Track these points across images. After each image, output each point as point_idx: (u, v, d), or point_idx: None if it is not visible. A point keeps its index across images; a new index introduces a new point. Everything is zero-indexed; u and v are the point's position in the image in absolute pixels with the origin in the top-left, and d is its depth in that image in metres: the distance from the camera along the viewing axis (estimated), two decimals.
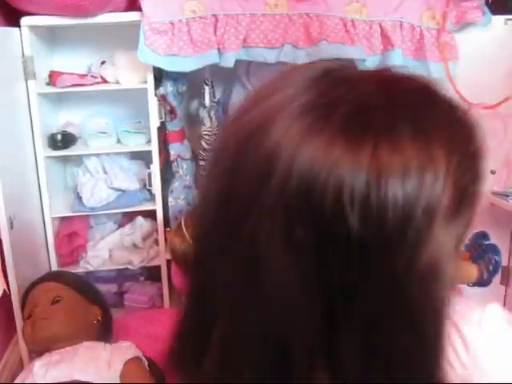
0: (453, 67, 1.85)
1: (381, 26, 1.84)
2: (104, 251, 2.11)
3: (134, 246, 2.15)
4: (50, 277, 1.67)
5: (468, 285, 1.67)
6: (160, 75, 1.96)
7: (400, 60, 1.85)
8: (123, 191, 2.07)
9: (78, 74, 1.99)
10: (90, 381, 1.35)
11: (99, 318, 1.58)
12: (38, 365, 1.39)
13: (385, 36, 1.84)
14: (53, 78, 1.97)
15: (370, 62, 1.86)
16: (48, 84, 2.00)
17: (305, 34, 1.79)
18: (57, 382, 1.33)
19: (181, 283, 1.94)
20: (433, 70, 1.86)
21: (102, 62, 2.03)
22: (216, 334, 0.51)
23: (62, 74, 1.97)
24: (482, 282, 1.66)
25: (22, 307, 1.61)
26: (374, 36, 1.84)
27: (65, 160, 2.23)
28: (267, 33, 1.79)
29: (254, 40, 1.80)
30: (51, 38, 2.13)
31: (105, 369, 1.38)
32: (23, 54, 1.85)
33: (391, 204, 0.42)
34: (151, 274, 2.20)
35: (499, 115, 1.83)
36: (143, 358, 1.47)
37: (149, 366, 1.47)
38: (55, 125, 2.14)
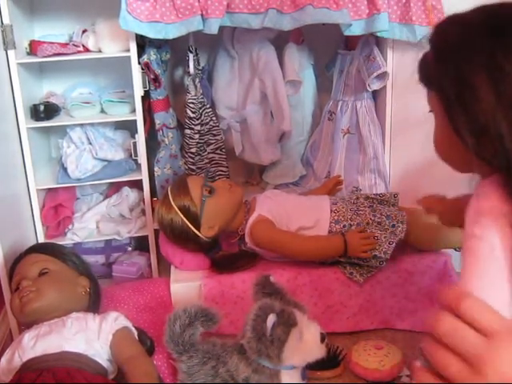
0: None
1: None
2: (91, 222, 2.10)
3: (121, 216, 2.15)
4: (37, 249, 1.66)
5: (455, 249, 1.69)
6: (143, 43, 1.94)
7: (386, 24, 1.84)
8: (108, 162, 2.06)
9: (59, 43, 1.96)
10: (80, 352, 1.35)
11: (87, 289, 1.58)
12: (28, 337, 1.39)
13: (370, 0, 1.82)
14: (33, 47, 1.93)
15: (355, 26, 1.85)
16: (28, 54, 1.96)
17: None
18: (46, 353, 1.34)
19: (168, 252, 1.95)
20: (419, 34, 1.84)
21: (84, 31, 2.00)
22: None
23: (43, 43, 1.93)
24: None
25: (10, 280, 1.60)
26: (360, 0, 1.82)
27: (48, 131, 2.21)
28: None
29: (238, 5, 1.77)
30: (30, 6, 2.09)
31: (94, 339, 1.39)
32: (2, 23, 1.81)
33: None
34: (139, 244, 2.20)
35: None
36: (132, 328, 1.47)
37: (138, 335, 1.47)
38: (37, 95, 2.11)
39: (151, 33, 1.78)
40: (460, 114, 0.77)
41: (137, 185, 2.11)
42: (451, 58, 0.80)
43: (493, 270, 0.70)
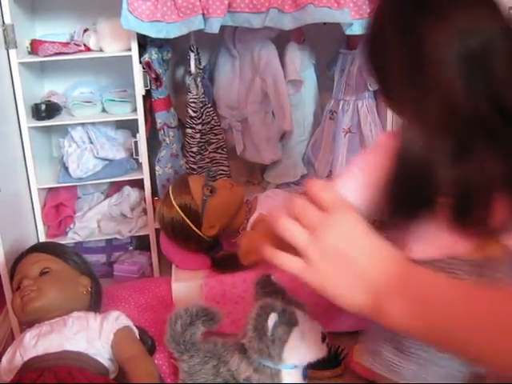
0: None
1: None
2: (92, 222, 2.10)
3: (122, 215, 2.15)
4: (39, 248, 1.66)
5: None
6: (144, 42, 1.94)
7: None
8: (110, 161, 2.06)
9: (60, 43, 1.96)
10: (81, 351, 1.35)
11: (89, 288, 1.58)
12: (29, 336, 1.39)
13: None
14: (34, 46, 1.93)
15: (356, 25, 1.84)
16: (30, 53, 1.96)
17: None
18: (47, 352, 1.34)
19: (169, 251, 1.95)
20: None
21: (85, 30, 2.00)
22: None
23: (44, 42, 1.93)
24: None
25: (11, 279, 1.60)
26: None
27: (50, 130, 2.21)
28: None
29: (239, 5, 1.77)
30: (31, 5, 2.09)
31: (95, 339, 1.39)
32: (3, 23, 1.81)
33: None
34: (140, 243, 2.20)
35: None
36: (133, 328, 1.47)
37: (139, 335, 1.47)
38: (39, 95, 2.11)
39: (152, 32, 1.78)
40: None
41: (138, 184, 2.11)
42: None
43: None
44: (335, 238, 0.70)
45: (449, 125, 0.84)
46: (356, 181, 0.97)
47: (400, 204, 0.89)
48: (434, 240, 0.94)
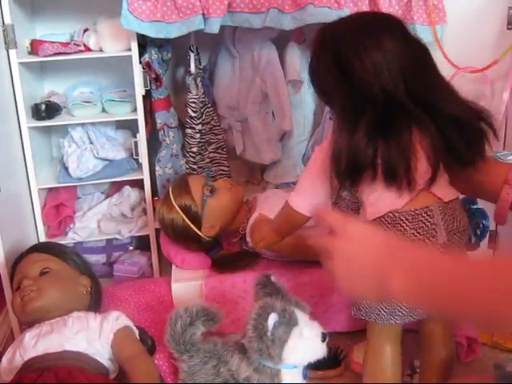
0: (440, 30, 1.84)
1: None
2: (92, 222, 2.10)
3: (122, 215, 2.15)
4: (39, 248, 1.66)
5: None
6: (144, 42, 1.93)
7: None
8: (110, 161, 2.06)
9: (60, 43, 1.95)
10: (81, 351, 1.35)
11: (89, 289, 1.58)
12: (29, 336, 1.39)
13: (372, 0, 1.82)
14: (34, 46, 1.93)
15: None
16: (30, 53, 1.96)
17: None
18: (47, 352, 1.34)
19: (170, 252, 1.95)
20: (420, 34, 1.84)
21: (85, 30, 2.00)
22: None
23: (44, 42, 1.93)
24: (469, 246, 1.68)
25: (11, 279, 1.60)
26: None
27: (50, 130, 2.21)
28: None
29: (239, 5, 1.77)
30: (31, 5, 2.09)
31: (95, 339, 1.39)
32: (3, 23, 1.81)
33: None
34: (140, 243, 2.20)
35: (487, 78, 1.82)
36: (133, 328, 1.47)
37: (139, 335, 1.47)
38: (39, 95, 2.11)
39: (152, 32, 1.78)
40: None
41: (138, 184, 2.11)
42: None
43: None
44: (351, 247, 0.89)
45: (368, 113, 1.16)
46: (314, 185, 1.33)
47: (346, 177, 1.22)
48: (379, 201, 1.24)
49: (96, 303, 1.60)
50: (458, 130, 1.19)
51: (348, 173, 1.21)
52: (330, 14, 1.78)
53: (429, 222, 1.23)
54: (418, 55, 1.23)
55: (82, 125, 2.05)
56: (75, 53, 1.93)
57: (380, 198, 1.23)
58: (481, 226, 1.64)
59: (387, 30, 1.21)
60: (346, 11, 1.80)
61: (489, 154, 1.25)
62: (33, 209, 1.99)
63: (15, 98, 1.88)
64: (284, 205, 1.43)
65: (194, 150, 2.09)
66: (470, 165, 1.22)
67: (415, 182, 1.18)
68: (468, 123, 1.20)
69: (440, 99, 1.20)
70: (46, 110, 1.95)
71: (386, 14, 1.33)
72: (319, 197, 1.34)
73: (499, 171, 1.24)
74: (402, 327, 1.35)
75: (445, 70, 1.81)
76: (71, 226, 2.07)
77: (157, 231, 2.05)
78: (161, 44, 1.98)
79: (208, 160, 2.16)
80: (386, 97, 1.16)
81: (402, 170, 1.16)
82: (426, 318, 1.36)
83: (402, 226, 1.23)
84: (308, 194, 1.36)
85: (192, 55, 2.03)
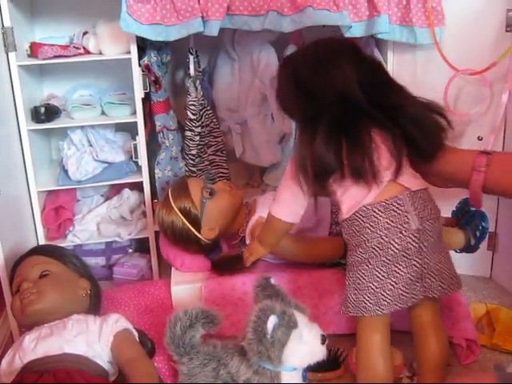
0: (439, 33, 1.84)
1: None
2: (91, 224, 2.10)
3: (122, 218, 2.15)
4: (38, 250, 1.66)
5: (455, 251, 1.68)
6: (144, 45, 1.94)
7: (386, 26, 1.83)
8: (109, 164, 2.06)
9: (59, 46, 1.96)
10: (80, 354, 1.35)
11: (88, 291, 1.58)
12: (28, 339, 1.39)
13: (371, 2, 1.81)
14: (34, 49, 1.94)
15: (356, 28, 1.84)
16: (29, 56, 1.97)
17: (290, 1, 1.77)
18: (47, 355, 1.33)
19: (169, 254, 1.95)
20: (419, 36, 1.84)
21: (84, 33, 2.00)
22: None
23: (44, 45, 1.94)
24: (469, 248, 1.68)
25: (11, 282, 1.60)
26: (360, 2, 1.81)
27: (49, 133, 2.21)
28: (251, 0, 1.77)
29: (238, 7, 1.77)
30: (31, 8, 2.10)
31: (95, 341, 1.38)
32: (2, 26, 1.81)
33: None
34: (140, 246, 2.20)
35: (486, 81, 1.82)
36: (133, 330, 1.47)
37: (139, 337, 1.47)
38: (38, 97, 2.11)
39: (152, 35, 1.78)
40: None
41: (137, 187, 2.11)
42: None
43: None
44: None
45: (324, 120, 1.29)
46: (292, 192, 1.42)
47: (315, 182, 1.34)
48: (351, 198, 1.33)
49: (95, 306, 1.59)
50: (416, 125, 1.30)
51: (316, 178, 1.32)
52: (329, 17, 1.79)
53: (400, 210, 1.30)
54: (372, 69, 1.36)
55: (82, 127, 2.05)
56: (74, 56, 1.94)
57: (352, 195, 1.33)
58: (480, 227, 1.64)
59: (339, 50, 1.36)
60: (345, 13, 1.80)
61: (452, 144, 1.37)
62: (32, 211, 1.99)
63: (15, 101, 1.88)
64: (267, 216, 1.53)
65: (194, 152, 2.09)
66: (433, 155, 1.33)
67: (380, 175, 1.29)
68: (423, 118, 1.32)
69: (397, 102, 1.32)
70: (46, 113, 1.96)
71: (340, 38, 1.59)
72: (299, 202, 1.43)
73: (467, 158, 1.30)
74: (390, 319, 1.40)
75: (444, 72, 1.83)
76: (71, 228, 2.07)
77: (156, 234, 2.05)
78: (160, 47, 1.99)
79: (207, 162, 2.16)
80: (342, 102, 1.29)
81: (367, 165, 1.27)
82: (413, 308, 1.40)
83: (376, 217, 1.31)
84: (288, 202, 1.45)
85: (191, 58, 2.03)
